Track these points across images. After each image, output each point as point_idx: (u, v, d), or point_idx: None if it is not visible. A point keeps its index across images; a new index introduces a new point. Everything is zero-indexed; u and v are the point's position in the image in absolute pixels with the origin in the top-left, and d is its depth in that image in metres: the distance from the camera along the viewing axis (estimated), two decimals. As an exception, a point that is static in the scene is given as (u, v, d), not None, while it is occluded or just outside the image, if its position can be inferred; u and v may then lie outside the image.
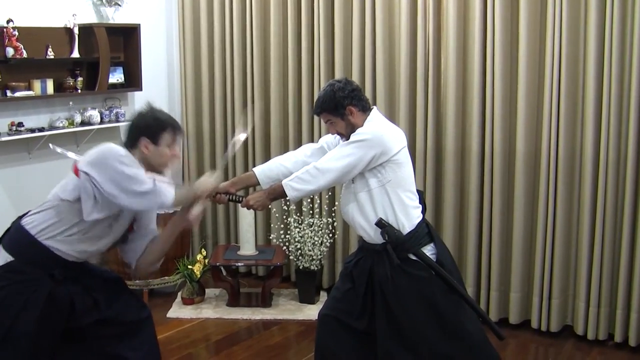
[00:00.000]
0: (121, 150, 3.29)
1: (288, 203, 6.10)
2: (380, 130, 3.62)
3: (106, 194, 3.21)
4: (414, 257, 3.63)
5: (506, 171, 5.32)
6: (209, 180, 3.59)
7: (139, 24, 6.39)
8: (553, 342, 5.24)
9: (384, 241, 3.63)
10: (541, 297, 5.28)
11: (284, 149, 6.28)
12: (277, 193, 3.74)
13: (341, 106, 3.66)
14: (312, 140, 6.09)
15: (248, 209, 3.90)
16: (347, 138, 3.69)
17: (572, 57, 4.97)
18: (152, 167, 3.41)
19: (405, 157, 3.67)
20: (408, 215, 3.66)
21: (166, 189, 3.30)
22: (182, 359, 5.12)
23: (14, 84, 5.53)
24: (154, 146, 3.38)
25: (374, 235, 3.68)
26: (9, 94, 5.49)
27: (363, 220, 3.70)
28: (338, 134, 3.76)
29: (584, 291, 5.13)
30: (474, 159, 5.39)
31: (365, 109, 3.72)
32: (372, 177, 3.63)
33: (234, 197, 3.85)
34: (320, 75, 6.00)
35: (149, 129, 3.40)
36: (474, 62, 5.29)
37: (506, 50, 5.17)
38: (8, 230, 3.45)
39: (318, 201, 6.08)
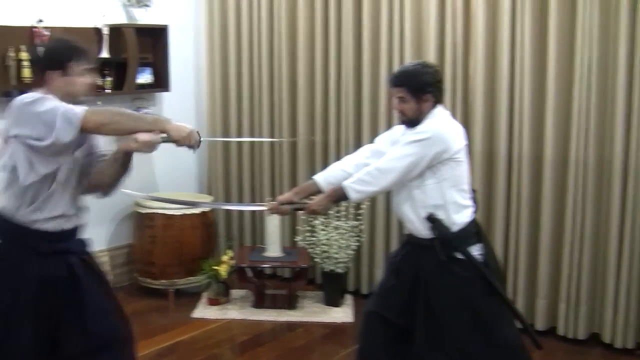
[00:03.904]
0: (26, 96, 3.15)
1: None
2: (441, 128, 3.60)
3: (38, 141, 3.08)
4: (460, 256, 3.62)
5: (534, 176, 5.27)
6: (185, 126, 3.22)
7: (167, 25, 6.42)
8: (580, 350, 5.19)
9: (432, 236, 3.63)
10: (568, 303, 5.23)
11: (311, 153, 6.30)
12: (338, 195, 3.75)
13: (423, 90, 3.63)
14: (339, 144, 6.12)
15: (311, 214, 3.93)
16: (409, 122, 3.68)
17: (602, 62, 4.92)
18: (69, 97, 3.24)
19: (464, 155, 3.67)
20: (459, 214, 3.65)
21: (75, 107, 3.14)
22: (207, 359, 5.12)
23: (44, 83, 5.57)
24: (63, 77, 3.24)
25: (422, 230, 3.67)
26: (38, 93, 5.53)
27: (413, 214, 3.69)
28: (401, 113, 3.71)
29: (612, 298, 5.07)
30: (502, 163, 5.36)
31: (437, 103, 3.70)
32: (429, 173, 3.60)
33: (297, 206, 3.91)
34: (349, 78, 6.00)
35: (53, 61, 3.25)
36: (503, 66, 5.25)
37: (535, 54, 5.13)
38: None
39: (344, 204, 6.06)
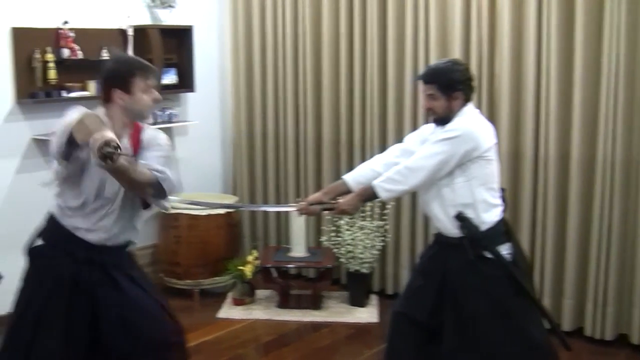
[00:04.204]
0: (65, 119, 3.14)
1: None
2: (470, 126, 3.59)
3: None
4: (489, 255, 3.61)
5: (561, 175, 5.23)
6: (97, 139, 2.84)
7: (192, 26, 6.45)
8: (607, 351, 5.13)
9: (461, 235, 3.61)
10: (595, 304, 5.18)
11: (336, 153, 6.28)
12: (368, 195, 3.76)
13: (453, 88, 3.63)
14: (365, 143, 6.10)
15: (341, 214, 3.95)
16: (439, 119, 3.68)
17: (630, 60, 4.86)
18: (134, 115, 3.32)
19: (494, 154, 3.66)
20: (488, 212, 3.64)
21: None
22: (232, 359, 5.14)
23: (69, 84, 5.62)
24: (128, 95, 3.25)
25: (451, 229, 3.66)
26: (64, 94, 5.57)
27: (442, 213, 3.68)
28: (431, 110, 3.70)
29: (640, 299, 5.03)
30: (528, 162, 5.32)
31: (467, 101, 3.70)
32: (459, 172, 3.60)
33: (327, 206, 3.92)
34: (374, 78, 5.98)
35: (116, 79, 3.26)
36: (529, 64, 5.22)
37: (562, 52, 5.09)
38: None
39: (369, 204, 6.04)
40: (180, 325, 3.57)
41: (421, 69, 5.50)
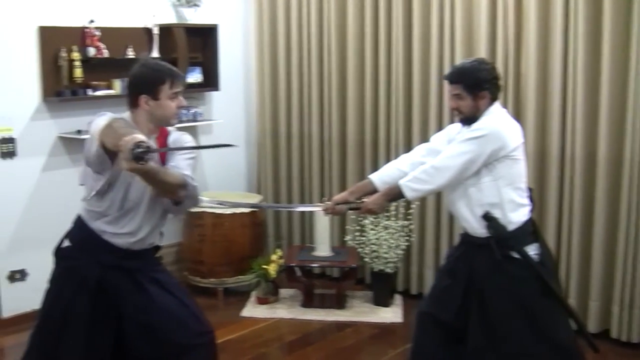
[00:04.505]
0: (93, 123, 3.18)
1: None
2: (497, 125, 3.57)
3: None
4: (516, 255, 3.59)
5: (587, 175, 5.18)
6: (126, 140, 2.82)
7: (217, 25, 6.46)
8: (633, 354, 5.08)
9: (488, 235, 3.60)
10: (621, 306, 5.13)
11: (361, 152, 6.27)
12: (395, 194, 3.76)
13: (479, 87, 3.61)
14: (389, 142, 6.08)
15: (367, 214, 3.96)
16: (465, 119, 3.67)
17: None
18: (159, 121, 3.32)
19: (521, 153, 3.64)
20: (515, 212, 3.62)
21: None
22: (255, 358, 5.14)
23: (95, 83, 5.65)
24: (154, 101, 3.26)
25: (477, 229, 3.65)
26: (90, 92, 5.60)
27: (469, 213, 3.67)
28: (457, 110, 3.69)
29: (668, 301, 4.98)
30: (554, 162, 5.28)
31: (494, 100, 3.68)
32: (485, 171, 3.58)
33: (353, 205, 3.93)
34: (399, 78, 5.96)
35: (144, 85, 3.28)
36: (555, 62, 5.17)
37: (589, 50, 5.03)
38: None
39: (394, 204, 6.02)
40: (207, 325, 3.55)
41: (447, 68, 5.50)
